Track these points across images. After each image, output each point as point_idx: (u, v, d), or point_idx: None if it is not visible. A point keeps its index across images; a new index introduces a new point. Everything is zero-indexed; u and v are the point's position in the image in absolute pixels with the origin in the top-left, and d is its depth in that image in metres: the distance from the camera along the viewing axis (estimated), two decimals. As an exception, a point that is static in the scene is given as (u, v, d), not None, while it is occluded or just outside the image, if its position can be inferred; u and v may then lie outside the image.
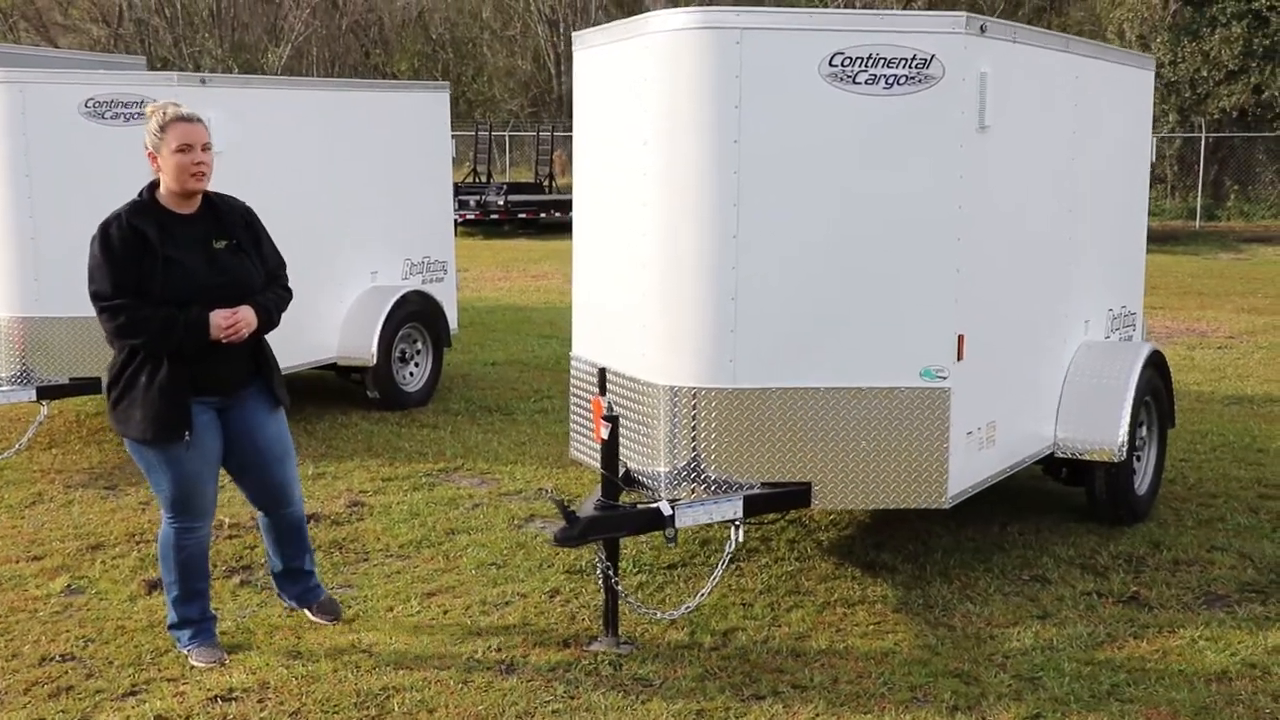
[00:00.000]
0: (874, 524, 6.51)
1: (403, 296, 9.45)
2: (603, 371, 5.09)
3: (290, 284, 5.08)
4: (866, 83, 5.06)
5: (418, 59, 43.47)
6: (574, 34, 6.10)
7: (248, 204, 5.01)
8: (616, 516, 4.95)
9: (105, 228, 4.61)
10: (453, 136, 10.78)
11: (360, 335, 9.21)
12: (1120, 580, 5.69)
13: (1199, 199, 29.09)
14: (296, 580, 5.29)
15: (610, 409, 4.98)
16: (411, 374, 9.75)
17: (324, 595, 5.36)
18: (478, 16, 44.99)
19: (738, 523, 5.16)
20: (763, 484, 5.25)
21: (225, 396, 4.80)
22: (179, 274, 4.59)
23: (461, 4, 45.55)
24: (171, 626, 5.00)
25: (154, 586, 5.74)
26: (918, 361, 5.20)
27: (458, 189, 27.19)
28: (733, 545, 5.17)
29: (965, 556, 6.02)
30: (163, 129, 4.62)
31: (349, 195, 9.26)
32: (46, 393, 8.14)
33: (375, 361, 9.20)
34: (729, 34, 5.02)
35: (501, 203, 26.43)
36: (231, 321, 4.63)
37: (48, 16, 46.30)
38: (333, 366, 9.36)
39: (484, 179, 29.60)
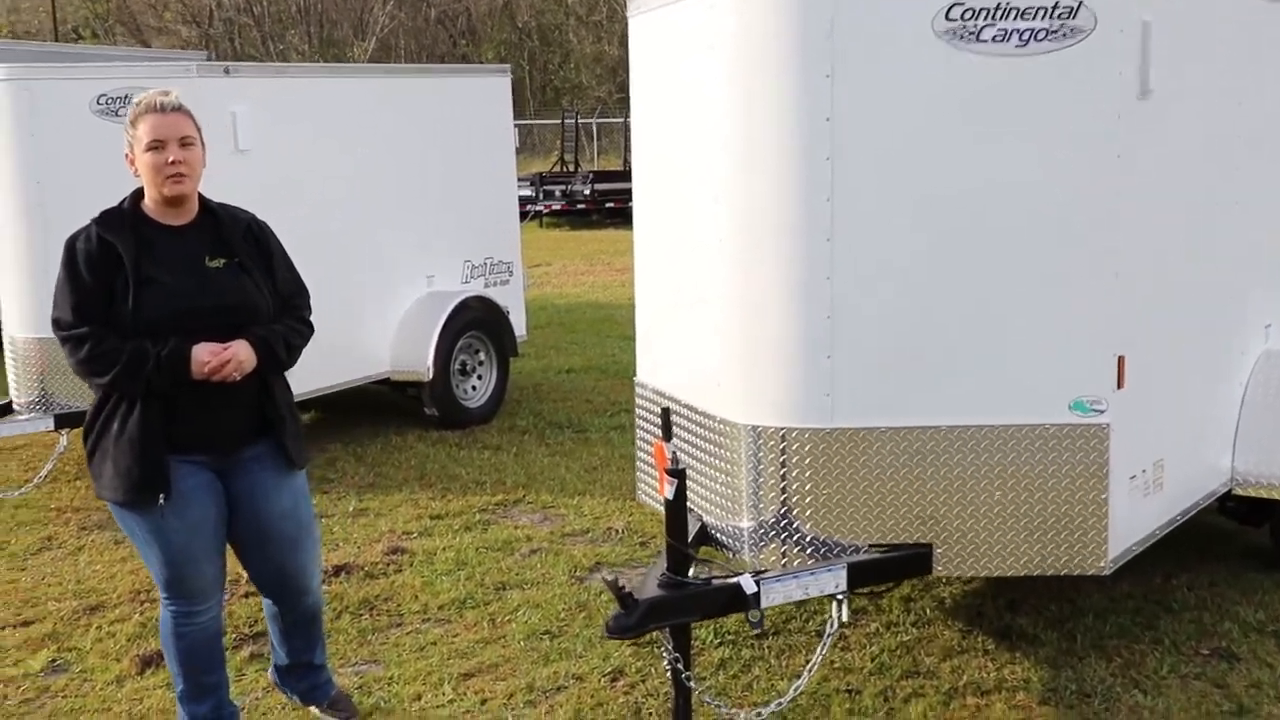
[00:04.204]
0: (1005, 577, 5.39)
1: (462, 303, 8.50)
2: (666, 412, 4.09)
3: (312, 315, 4.08)
4: (995, 40, 3.97)
5: (504, 47, 42.78)
6: (630, -5, 5.08)
7: (258, 215, 4.07)
8: (685, 597, 3.92)
9: (71, 243, 3.74)
10: (540, 125, 9.84)
11: (415, 347, 8.28)
12: (1327, 657, 4.54)
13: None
14: (303, 676, 4.31)
15: (676, 461, 3.95)
16: (474, 388, 8.80)
17: (335, 691, 4.36)
18: (563, 2, 44.13)
19: (840, 597, 4.11)
20: (871, 545, 4.21)
21: (220, 456, 3.84)
22: (157, 296, 3.68)
23: (547, -10, 44.78)
24: None
25: (148, 664, 4.87)
26: (1067, 391, 4.10)
27: (544, 179, 26.33)
28: (834, 626, 4.12)
29: (1124, 621, 4.89)
30: (133, 123, 3.76)
31: (400, 193, 8.34)
32: (66, 420, 7.35)
33: (431, 376, 8.26)
34: (818, -18, 3.96)
35: (588, 192, 25.47)
36: (220, 359, 3.67)
37: (141, 20, 46.52)
38: (386, 381, 8.45)
39: (572, 168, 28.66)
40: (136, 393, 3.66)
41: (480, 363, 8.85)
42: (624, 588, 3.80)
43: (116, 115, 7.10)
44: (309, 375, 7.54)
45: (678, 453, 4.01)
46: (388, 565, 5.88)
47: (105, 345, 3.63)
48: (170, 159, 3.70)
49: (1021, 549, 4.17)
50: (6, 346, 7.81)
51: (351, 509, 6.79)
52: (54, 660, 5.00)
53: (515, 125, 9.60)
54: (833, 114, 4.02)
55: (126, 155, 3.78)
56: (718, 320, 4.36)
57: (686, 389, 4.68)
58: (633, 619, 3.79)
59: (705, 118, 4.33)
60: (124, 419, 3.68)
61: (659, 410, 4.26)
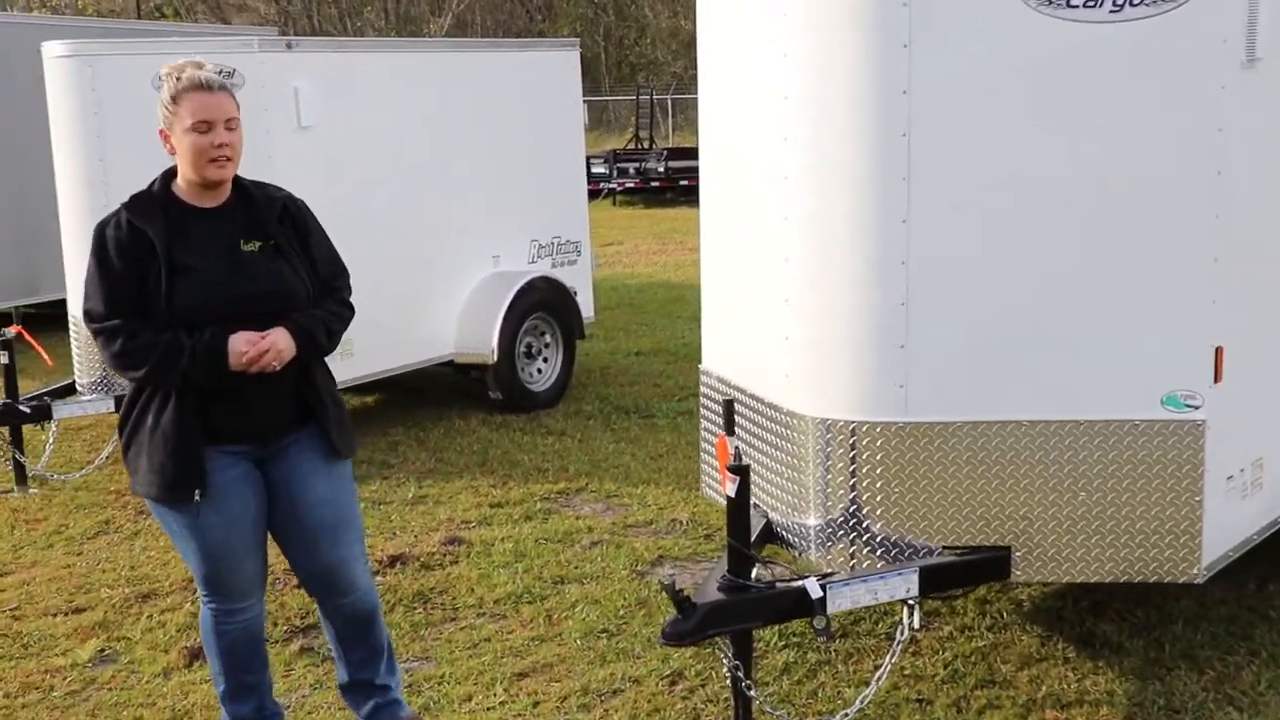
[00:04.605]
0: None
1: (528, 283, 8.31)
2: (729, 405, 3.86)
3: (352, 298, 3.85)
4: (1086, 5, 3.68)
5: (579, 23, 42.54)
6: (696, -37, 4.83)
7: (295, 196, 3.82)
8: (746, 602, 3.70)
9: (101, 230, 3.54)
10: (615, 101, 9.60)
11: (479, 329, 8.11)
12: None
13: None
14: (368, 695, 3.99)
15: (739, 457, 3.72)
16: (539, 371, 8.62)
17: (404, 713, 4.04)
18: (640, -23, 43.80)
19: (912, 602, 3.87)
20: (945, 547, 3.96)
21: (260, 445, 3.66)
22: (191, 285, 3.48)
23: (623, -36, 44.45)
24: None
25: (195, 656, 4.75)
26: (1159, 385, 3.82)
27: (618, 156, 26.09)
28: (904, 633, 3.88)
29: (1216, 630, 4.58)
30: (175, 99, 3.53)
31: (466, 171, 8.16)
32: (127, 402, 7.27)
33: (496, 359, 8.09)
34: (894, -55, 3.70)
35: (662, 169, 25.17)
36: (258, 348, 3.47)
37: (221, -3, 46.97)
38: (450, 363, 8.30)
39: (646, 145, 28.37)
40: (173, 386, 3.48)
41: (546, 345, 8.67)
42: (681, 591, 3.59)
43: (176, 92, 6.98)
44: (373, 357, 7.46)
45: (741, 447, 3.78)
46: (444, 556, 5.72)
47: (139, 339, 3.44)
48: (217, 142, 3.49)
49: (1107, 554, 3.89)
50: (71, 326, 7.78)
51: (410, 496, 6.65)
52: (103, 650, 4.90)
53: (589, 101, 9.38)
54: (910, 86, 3.76)
55: (161, 131, 3.58)
56: (786, 306, 4.12)
57: (752, 378, 4.45)
58: (690, 625, 3.59)
59: (776, 90, 4.08)
60: (158, 413, 3.50)
61: (722, 401, 4.04)
